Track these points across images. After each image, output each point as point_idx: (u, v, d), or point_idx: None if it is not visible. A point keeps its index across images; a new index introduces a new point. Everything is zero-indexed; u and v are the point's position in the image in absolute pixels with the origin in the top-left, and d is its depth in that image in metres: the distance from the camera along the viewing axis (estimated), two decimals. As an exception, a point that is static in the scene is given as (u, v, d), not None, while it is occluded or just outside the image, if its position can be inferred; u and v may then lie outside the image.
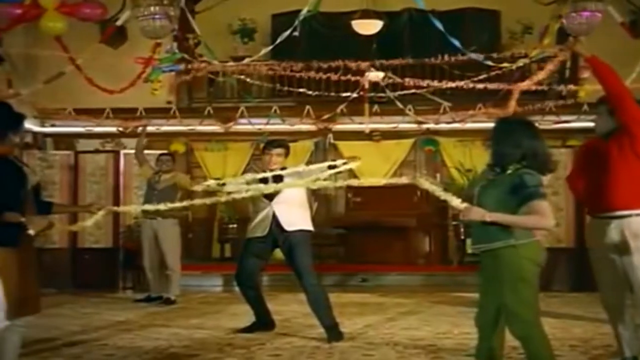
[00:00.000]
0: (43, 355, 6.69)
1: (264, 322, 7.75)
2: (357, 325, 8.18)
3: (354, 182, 6.64)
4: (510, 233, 4.38)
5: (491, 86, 10.48)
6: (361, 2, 13.25)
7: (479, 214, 4.37)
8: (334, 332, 7.22)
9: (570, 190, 6.13)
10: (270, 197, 7.30)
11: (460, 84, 10.38)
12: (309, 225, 7.52)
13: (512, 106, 10.11)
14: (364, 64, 11.06)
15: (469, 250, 13.09)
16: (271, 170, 7.33)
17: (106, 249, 11.83)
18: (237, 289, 8.05)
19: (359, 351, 6.75)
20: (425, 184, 4.75)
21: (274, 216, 7.39)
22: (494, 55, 9.94)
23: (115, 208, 8.70)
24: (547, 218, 4.35)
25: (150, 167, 10.45)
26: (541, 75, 9.79)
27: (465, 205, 4.43)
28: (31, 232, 4.50)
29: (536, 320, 4.44)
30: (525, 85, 10.11)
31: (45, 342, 7.21)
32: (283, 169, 7.48)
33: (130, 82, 9.89)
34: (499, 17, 15.59)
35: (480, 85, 10.41)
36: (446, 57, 10.20)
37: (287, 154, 7.65)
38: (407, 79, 10.78)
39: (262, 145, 8.03)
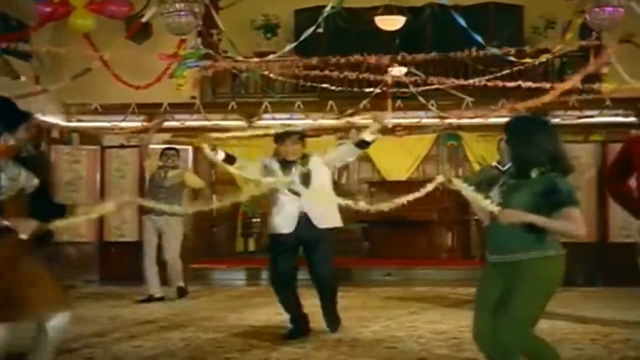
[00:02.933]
0: (73, 346, 6.82)
1: (300, 328, 7.25)
2: (381, 318, 8.28)
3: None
4: (545, 243, 4.24)
5: (526, 85, 10.40)
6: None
7: (517, 215, 4.17)
8: (335, 322, 7.40)
9: (611, 188, 6.11)
10: (295, 192, 6.94)
11: (483, 78, 10.37)
12: (339, 221, 7.21)
13: (547, 101, 10.01)
14: (385, 58, 11.07)
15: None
16: (292, 161, 7.03)
17: (132, 242, 11.96)
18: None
19: (382, 344, 6.86)
20: (460, 185, 4.55)
21: (303, 212, 6.97)
22: (515, 50, 9.89)
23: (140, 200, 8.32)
24: (582, 226, 4.21)
25: (155, 162, 10.15)
26: (579, 75, 9.75)
27: (499, 208, 4.25)
28: (23, 236, 4.23)
29: (528, 334, 4.32)
30: (566, 84, 10.01)
31: (76, 336, 7.34)
32: (304, 157, 7.11)
33: (156, 78, 9.98)
34: (522, 12, 15.57)
35: (513, 84, 10.36)
36: (469, 52, 10.19)
37: (304, 142, 7.17)
38: (430, 75, 10.87)
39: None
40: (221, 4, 14.01)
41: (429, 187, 4.87)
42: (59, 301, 4.61)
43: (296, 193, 6.94)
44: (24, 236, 4.23)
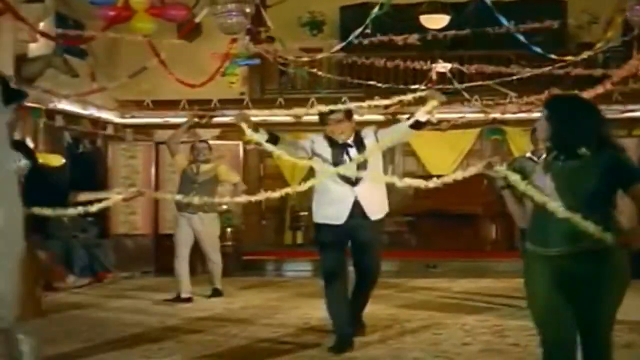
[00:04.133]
0: (144, 337, 7.24)
1: (347, 337, 6.56)
2: (427, 307, 8.60)
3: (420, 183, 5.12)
4: (618, 229, 3.78)
5: (575, 72, 10.56)
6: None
7: None
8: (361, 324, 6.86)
9: None
10: (350, 180, 6.27)
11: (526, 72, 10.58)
12: (386, 207, 6.69)
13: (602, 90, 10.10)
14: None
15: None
16: (342, 141, 6.39)
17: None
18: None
19: (429, 330, 7.21)
20: (503, 172, 3.98)
21: (357, 202, 6.36)
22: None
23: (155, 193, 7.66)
24: None
25: (185, 157, 9.68)
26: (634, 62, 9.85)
27: (630, 229, 3.79)
28: None
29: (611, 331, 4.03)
30: (623, 71, 10.09)
31: (148, 327, 7.79)
32: (357, 134, 6.48)
33: (210, 77, 10.32)
34: (565, 7, 15.70)
35: (562, 71, 10.52)
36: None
37: (351, 119, 6.49)
38: (474, 71, 11.13)
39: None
40: (269, 2, 14.37)
41: (473, 170, 4.27)
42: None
43: (349, 180, 6.30)
44: None
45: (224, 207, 10.05)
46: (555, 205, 3.76)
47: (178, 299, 9.33)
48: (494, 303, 8.86)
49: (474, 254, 13.06)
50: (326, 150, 6.40)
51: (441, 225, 13.70)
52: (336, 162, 6.29)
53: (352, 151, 6.37)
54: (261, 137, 5.93)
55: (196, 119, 11.62)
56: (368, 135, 6.48)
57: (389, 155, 15.17)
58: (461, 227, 13.69)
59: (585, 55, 9.77)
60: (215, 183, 9.50)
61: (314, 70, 12.12)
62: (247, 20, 9.77)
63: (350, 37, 9.28)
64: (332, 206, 6.40)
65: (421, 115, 6.07)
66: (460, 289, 10.26)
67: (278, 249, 14.48)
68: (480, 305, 8.75)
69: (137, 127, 15.10)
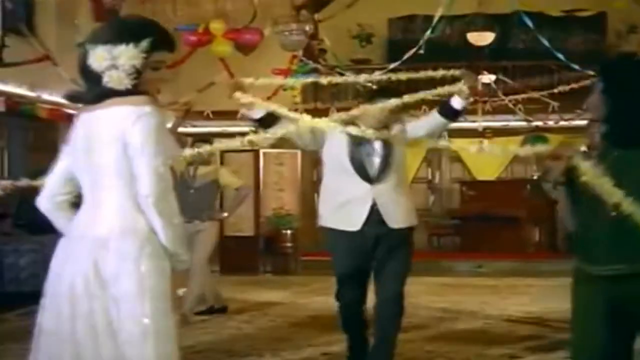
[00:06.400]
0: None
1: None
2: (474, 302, 9.37)
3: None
4: None
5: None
6: (471, 5, 14.07)
7: None
8: None
9: None
10: (369, 177, 5.06)
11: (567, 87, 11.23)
12: (415, 217, 5.30)
13: None
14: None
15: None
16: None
17: (248, 236, 13.18)
18: None
19: (477, 322, 7.99)
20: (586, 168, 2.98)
21: (375, 205, 5.04)
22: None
23: None
24: None
25: (184, 157, 8.97)
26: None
27: None
28: None
29: None
30: None
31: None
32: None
33: (274, 91, 11.13)
34: (605, 17, 16.25)
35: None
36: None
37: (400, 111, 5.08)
38: (518, 81, 11.83)
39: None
40: (320, 17, 15.15)
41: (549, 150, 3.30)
42: None
43: (367, 177, 5.08)
44: None
45: (224, 214, 8.83)
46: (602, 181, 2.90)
47: (212, 311, 8.48)
48: (538, 299, 9.55)
49: (517, 255, 13.71)
50: (341, 141, 5.00)
51: (487, 228, 14.36)
52: (353, 157, 5.06)
53: (376, 143, 5.06)
54: (255, 113, 4.98)
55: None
56: (395, 125, 5.15)
57: (435, 161, 15.97)
58: (506, 229, 14.33)
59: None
60: (214, 188, 8.36)
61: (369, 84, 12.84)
62: (306, 37, 10.64)
63: (404, 57, 10.01)
64: (344, 208, 5.11)
65: (455, 101, 4.89)
66: (505, 286, 11.00)
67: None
68: (524, 300, 9.50)
69: (196, 136, 15.84)
